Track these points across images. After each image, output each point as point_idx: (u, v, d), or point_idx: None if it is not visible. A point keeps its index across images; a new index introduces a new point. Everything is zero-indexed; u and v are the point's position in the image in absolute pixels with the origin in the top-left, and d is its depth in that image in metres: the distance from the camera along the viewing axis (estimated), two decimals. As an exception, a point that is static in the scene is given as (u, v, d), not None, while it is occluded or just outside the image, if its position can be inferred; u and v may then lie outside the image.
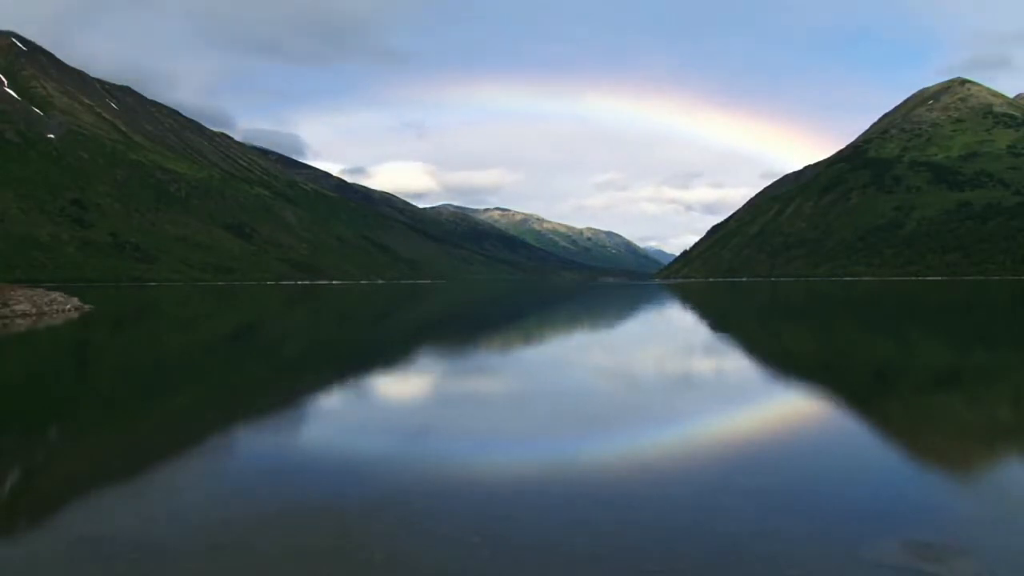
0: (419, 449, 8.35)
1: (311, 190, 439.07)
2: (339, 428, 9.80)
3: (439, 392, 13.25)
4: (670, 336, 26.41)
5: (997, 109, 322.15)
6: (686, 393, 12.62)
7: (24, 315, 31.46)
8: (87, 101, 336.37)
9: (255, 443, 8.88)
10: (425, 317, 40.78)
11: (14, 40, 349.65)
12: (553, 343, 23.96)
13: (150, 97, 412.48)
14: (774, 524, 5.61)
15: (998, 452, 8.29)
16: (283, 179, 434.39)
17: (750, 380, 14.57)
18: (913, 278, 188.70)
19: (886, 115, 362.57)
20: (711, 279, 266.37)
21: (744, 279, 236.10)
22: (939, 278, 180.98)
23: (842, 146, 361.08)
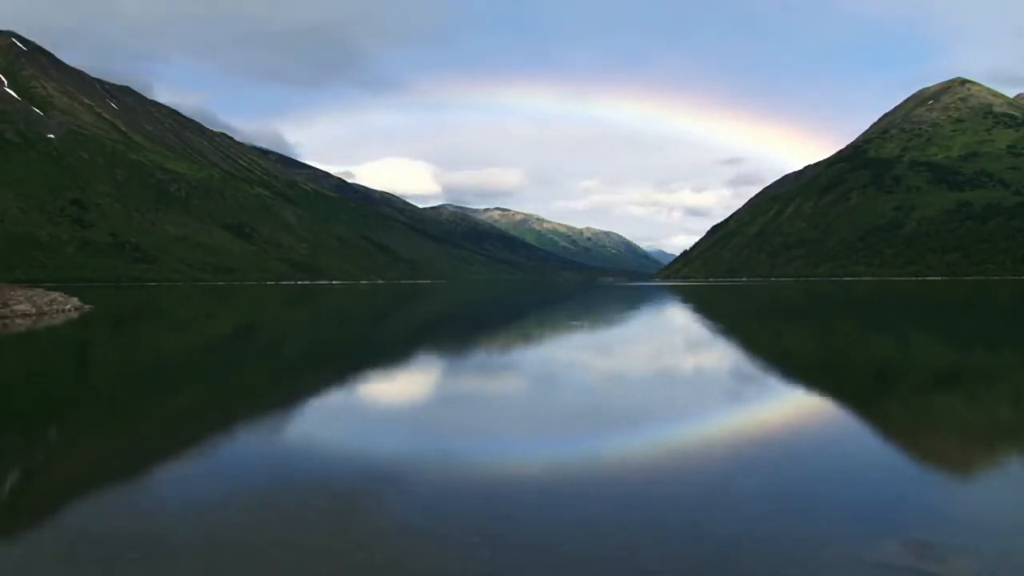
0: (419, 449, 8.35)
1: (311, 190, 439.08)
2: (339, 428, 9.79)
3: (439, 392, 13.25)
4: (670, 336, 26.40)
5: (997, 109, 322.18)
6: (686, 393, 12.62)
7: (24, 315, 31.46)
8: (87, 101, 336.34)
9: (255, 443, 8.88)
10: (424, 318, 40.79)
11: (14, 40, 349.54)
12: (553, 343, 23.96)
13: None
14: (774, 524, 5.61)
15: (998, 452, 8.29)
16: (283, 179, 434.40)
17: (750, 380, 14.56)
18: (913, 278, 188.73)
19: (886, 115, 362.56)
20: (711, 279, 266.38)
21: (744, 279, 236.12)
22: (939, 278, 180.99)
23: (842, 146, 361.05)
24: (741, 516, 5.76)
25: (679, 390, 13.00)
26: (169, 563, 4.88)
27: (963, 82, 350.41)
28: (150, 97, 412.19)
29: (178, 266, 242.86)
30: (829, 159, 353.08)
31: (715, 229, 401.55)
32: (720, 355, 19.60)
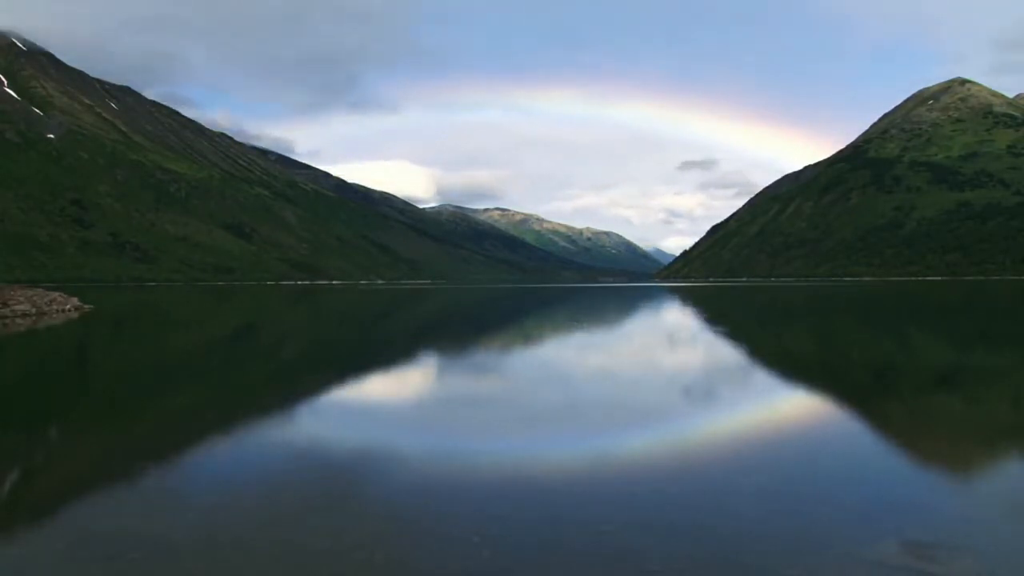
0: (419, 449, 8.35)
1: (311, 190, 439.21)
2: (338, 428, 9.79)
3: (439, 392, 13.26)
4: (670, 337, 26.40)
5: (997, 109, 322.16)
6: (686, 393, 12.62)
7: (24, 315, 31.46)
8: (87, 101, 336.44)
9: (255, 443, 8.88)
10: (424, 319, 40.78)
11: (14, 40, 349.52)
12: (553, 343, 23.96)
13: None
14: (774, 524, 5.61)
15: (998, 452, 8.29)
16: (283, 179, 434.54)
17: (750, 380, 14.56)
18: (913, 278, 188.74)
19: (886, 115, 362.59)
20: (711, 279, 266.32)
21: (744, 279, 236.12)
22: (939, 278, 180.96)
23: (842, 146, 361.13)
24: (741, 516, 5.76)
25: (679, 390, 12.99)
26: (170, 563, 4.88)
27: (963, 82, 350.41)
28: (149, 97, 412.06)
29: (178, 266, 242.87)
30: (829, 159, 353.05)
31: (715, 229, 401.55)
32: (720, 355, 19.60)
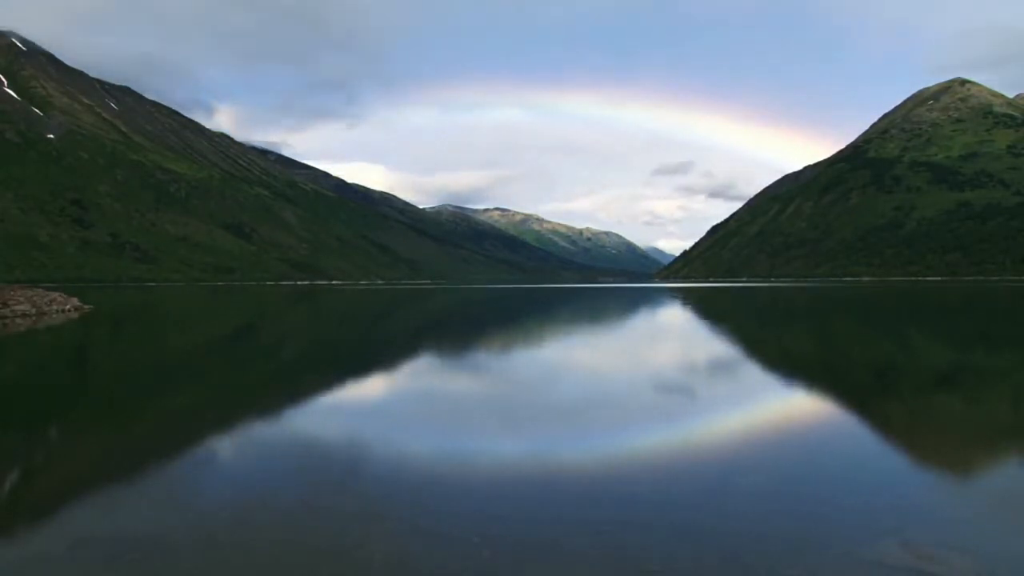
0: (419, 449, 8.34)
1: (311, 190, 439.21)
2: (338, 428, 9.79)
3: (439, 392, 13.25)
4: (670, 338, 26.41)
5: (997, 109, 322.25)
6: (686, 393, 12.62)
7: (24, 315, 31.46)
8: (87, 101, 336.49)
9: (255, 443, 8.87)
10: (423, 320, 40.76)
11: (14, 40, 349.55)
12: (553, 344, 23.96)
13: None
14: (774, 524, 5.61)
15: (998, 452, 8.29)
16: (283, 179, 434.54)
17: (749, 380, 14.57)
18: (913, 278, 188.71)
19: (886, 115, 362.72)
20: (711, 279, 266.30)
21: (744, 279, 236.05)
22: (939, 278, 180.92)
23: (842, 146, 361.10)
24: (741, 516, 5.77)
25: (679, 390, 12.99)
26: (169, 563, 4.88)
27: (963, 82, 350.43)
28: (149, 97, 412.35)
29: (178, 266, 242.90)
30: (829, 159, 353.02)
31: (715, 229, 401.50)
32: (720, 356, 19.60)
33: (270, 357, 20.38)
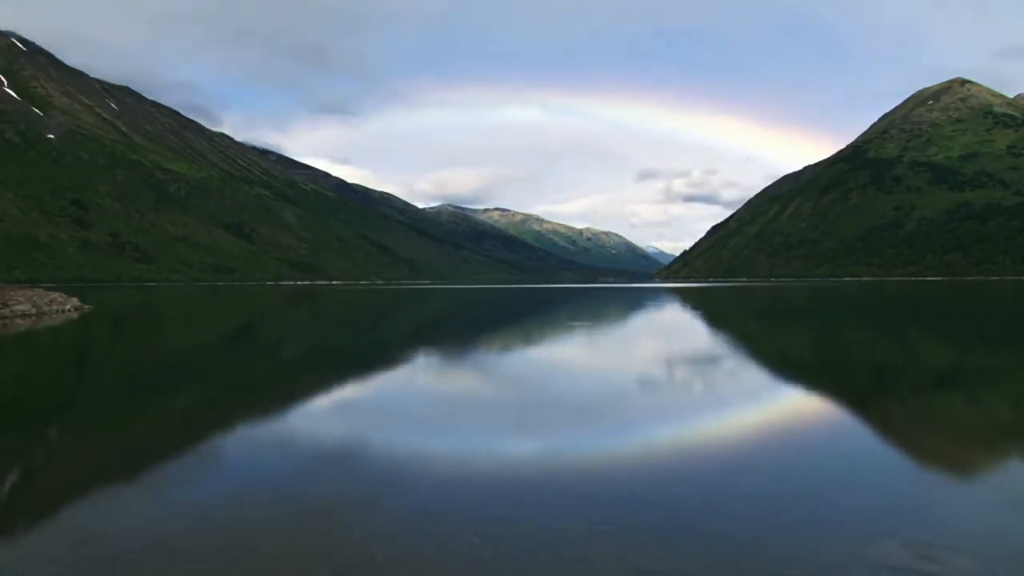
0: (419, 449, 8.34)
1: (311, 190, 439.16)
2: (338, 428, 9.79)
3: (438, 392, 13.25)
4: (669, 337, 26.41)
5: (997, 109, 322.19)
6: (685, 393, 12.62)
7: (24, 315, 31.46)
8: (87, 101, 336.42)
9: (254, 443, 8.87)
10: (422, 321, 40.76)
11: (14, 40, 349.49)
12: (553, 344, 23.96)
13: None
14: (774, 524, 5.61)
15: (998, 452, 8.29)
16: (283, 179, 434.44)
17: (748, 380, 14.56)
18: (913, 278, 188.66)
19: (886, 115, 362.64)
20: (711, 279, 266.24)
21: (744, 279, 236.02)
22: (939, 278, 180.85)
23: (842, 146, 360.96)
24: (741, 516, 5.76)
25: (678, 390, 12.99)
26: (169, 563, 4.87)
27: (963, 82, 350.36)
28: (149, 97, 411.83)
29: (178, 266, 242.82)
30: (829, 159, 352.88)
31: (715, 229, 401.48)
32: (719, 356, 19.60)
33: (270, 357, 20.38)
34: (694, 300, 61.53)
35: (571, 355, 20.12)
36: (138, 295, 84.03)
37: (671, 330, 29.87)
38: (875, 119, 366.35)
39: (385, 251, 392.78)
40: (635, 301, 57.87)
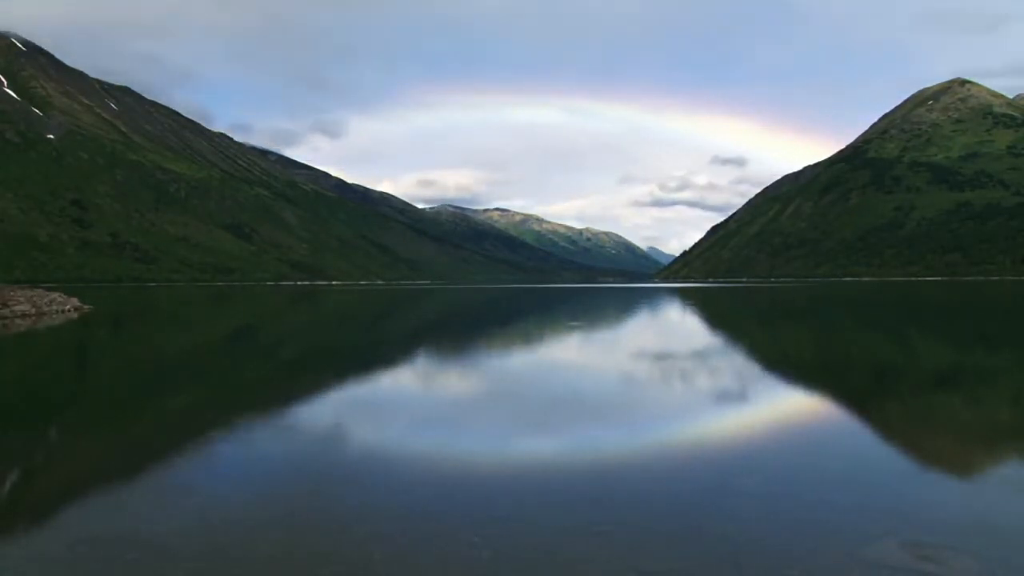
0: (418, 449, 8.34)
1: (311, 190, 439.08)
2: (338, 428, 9.79)
3: (438, 392, 13.25)
4: (668, 337, 26.41)
5: (997, 109, 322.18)
6: (686, 394, 12.62)
7: (24, 315, 31.46)
8: (86, 101, 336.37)
9: (254, 443, 8.87)
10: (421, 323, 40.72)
11: (14, 40, 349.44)
12: (552, 344, 23.96)
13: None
14: (773, 524, 5.61)
15: (998, 452, 8.29)
16: (283, 179, 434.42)
17: (747, 381, 14.56)
18: (914, 278, 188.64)
19: (886, 115, 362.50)
20: (711, 279, 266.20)
21: (744, 279, 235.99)
22: (939, 278, 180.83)
23: (842, 146, 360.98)
24: (741, 516, 5.76)
25: (677, 391, 13.00)
26: (169, 564, 4.87)
27: (963, 82, 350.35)
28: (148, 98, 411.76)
29: (178, 266, 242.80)
30: (829, 159, 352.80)
31: (715, 229, 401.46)
32: (718, 357, 19.60)
33: (269, 357, 20.38)
34: (697, 302, 61.50)
35: (571, 356, 20.12)
36: (138, 295, 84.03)
37: (670, 332, 29.86)
38: (875, 119, 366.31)
39: (385, 251, 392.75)
40: (634, 303, 57.86)
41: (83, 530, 5.58)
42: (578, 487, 6.63)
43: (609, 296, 71.30)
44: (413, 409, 11.38)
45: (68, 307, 36.89)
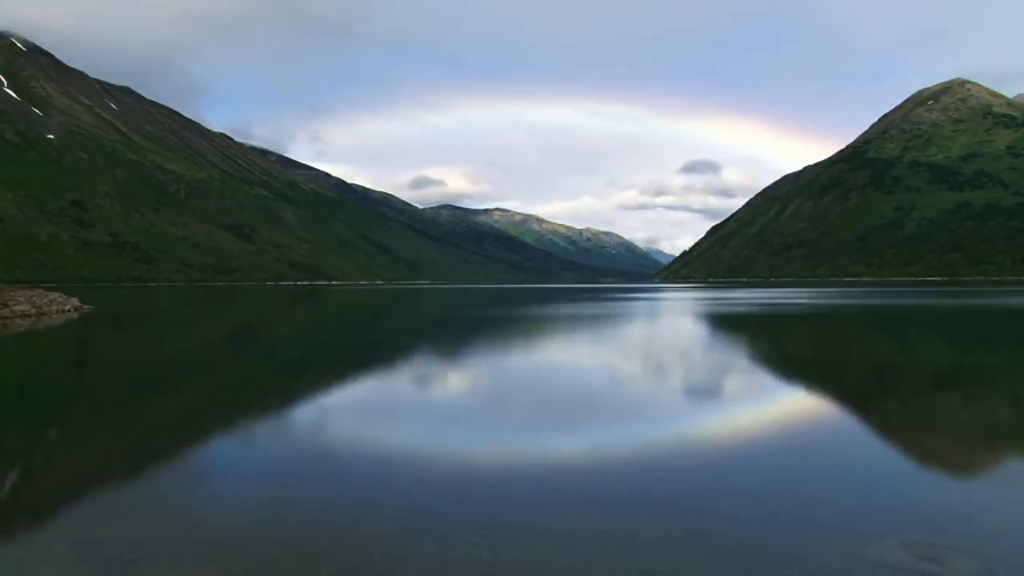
0: (418, 449, 8.34)
1: (310, 190, 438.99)
2: (338, 428, 9.80)
3: (438, 392, 13.25)
4: (668, 338, 26.41)
5: (997, 109, 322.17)
6: (685, 395, 12.63)
7: (24, 315, 31.46)
8: (87, 101, 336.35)
9: (254, 443, 8.88)
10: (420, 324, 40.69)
11: (14, 40, 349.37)
12: (552, 345, 23.95)
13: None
14: (774, 524, 5.62)
15: (998, 452, 8.29)
16: (282, 179, 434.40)
17: (747, 382, 14.56)
18: (913, 278, 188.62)
19: (886, 115, 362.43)
20: (710, 279, 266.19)
21: (744, 280, 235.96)
22: (939, 279, 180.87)
23: (842, 146, 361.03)
24: (741, 516, 5.77)
25: (677, 392, 13.00)
26: (169, 564, 4.88)
27: (963, 82, 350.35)
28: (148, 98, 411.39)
29: (178, 266, 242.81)
30: (829, 159, 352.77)
31: (715, 229, 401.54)
32: (717, 358, 19.60)
33: (269, 358, 20.38)
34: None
35: (570, 357, 20.11)
36: (138, 295, 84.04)
37: (670, 332, 29.84)
38: (875, 119, 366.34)
39: (385, 251, 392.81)
40: (636, 316, 57.66)
41: (83, 530, 5.58)
42: (578, 487, 6.63)
43: (608, 298, 71.05)
44: (413, 409, 11.39)
45: (68, 307, 36.90)
